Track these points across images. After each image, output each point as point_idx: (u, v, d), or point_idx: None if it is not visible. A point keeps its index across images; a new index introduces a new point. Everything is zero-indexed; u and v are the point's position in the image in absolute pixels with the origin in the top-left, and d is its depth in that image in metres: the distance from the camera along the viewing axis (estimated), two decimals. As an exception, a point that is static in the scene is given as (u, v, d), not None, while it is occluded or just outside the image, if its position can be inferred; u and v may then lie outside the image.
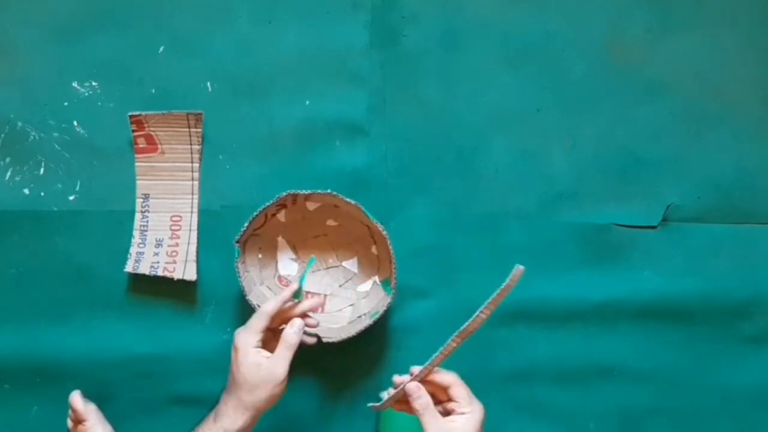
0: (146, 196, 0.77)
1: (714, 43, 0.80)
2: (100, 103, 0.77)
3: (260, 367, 0.65)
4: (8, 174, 0.77)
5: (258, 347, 0.66)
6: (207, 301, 0.78)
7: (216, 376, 0.78)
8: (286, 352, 0.66)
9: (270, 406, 0.66)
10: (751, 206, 0.81)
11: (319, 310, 0.77)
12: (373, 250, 0.78)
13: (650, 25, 0.79)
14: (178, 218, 0.77)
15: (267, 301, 0.69)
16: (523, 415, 0.80)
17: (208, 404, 0.78)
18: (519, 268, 0.61)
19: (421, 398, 0.63)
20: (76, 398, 0.72)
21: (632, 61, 0.79)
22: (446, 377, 0.64)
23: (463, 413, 0.62)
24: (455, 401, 0.63)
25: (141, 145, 0.76)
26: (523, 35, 0.79)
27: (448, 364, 0.65)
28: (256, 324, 0.67)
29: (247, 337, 0.66)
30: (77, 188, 0.77)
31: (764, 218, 0.81)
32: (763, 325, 0.80)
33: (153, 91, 0.77)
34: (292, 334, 0.67)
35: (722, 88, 0.80)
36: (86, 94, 0.77)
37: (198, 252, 0.77)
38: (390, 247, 0.71)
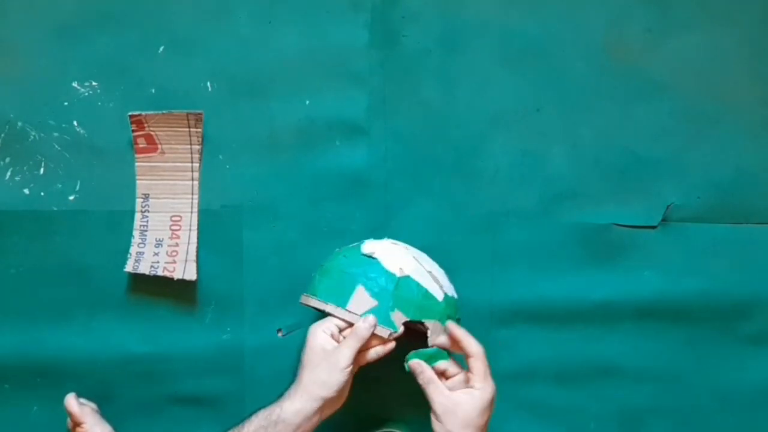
0: (146, 196, 0.77)
1: (714, 43, 0.80)
2: (100, 103, 0.77)
3: (325, 350, 0.64)
4: (8, 174, 0.77)
5: (327, 335, 0.66)
6: (207, 301, 0.78)
7: (216, 376, 0.78)
8: (353, 342, 0.64)
9: (331, 395, 0.63)
10: (750, 206, 0.81)
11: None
12: None
13: (650, 25, 0.79)
14: (178, 218, 0.77)
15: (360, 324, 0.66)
16: (523, 414, 0.80)
17: (208, 404, 0.79)
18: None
19: (423, 374, 0.65)
20: (71, 402, 0.71)
21: (632, 61, 0.79)
22: (472, 347, 0.64)
23: (472, 388, 0.63)
24: (471, 374, 0.64)
25: (141, 145, 0.76)
26: (522, 35, 0.79)
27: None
28: (335, 320, 0.67)
29: (321, 323, 0.66)
30: (77, 188, 0.77)
31: (764, 218, 0.81)
32: (763, 324, 0.80)
33: (153, 90, 0.77)
34: (363, 326, 0.65)
35: (722, 88, 0.80)
36: (86, 93, 0.77)
37: (198, 252, 0.77)
38: None
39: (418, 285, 0.68)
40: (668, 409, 0.80)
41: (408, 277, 0.68)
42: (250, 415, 0.65)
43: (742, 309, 0.80)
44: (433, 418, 0.64)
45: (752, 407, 0.80)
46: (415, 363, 0.65)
